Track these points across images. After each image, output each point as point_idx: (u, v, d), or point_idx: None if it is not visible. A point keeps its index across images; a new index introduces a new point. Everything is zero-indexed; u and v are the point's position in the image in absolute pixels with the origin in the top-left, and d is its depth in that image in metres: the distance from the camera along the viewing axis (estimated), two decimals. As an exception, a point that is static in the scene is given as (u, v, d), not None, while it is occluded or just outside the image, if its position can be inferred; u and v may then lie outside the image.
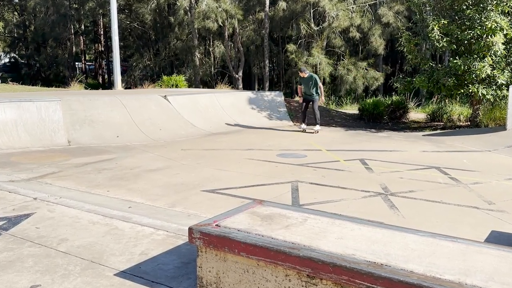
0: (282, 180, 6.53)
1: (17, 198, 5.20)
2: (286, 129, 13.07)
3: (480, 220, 4.80)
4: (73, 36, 36.67)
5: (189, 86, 23.21)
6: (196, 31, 26.98)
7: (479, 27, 11.82)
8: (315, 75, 12.26)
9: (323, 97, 12.35)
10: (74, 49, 37.42)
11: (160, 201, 5.36)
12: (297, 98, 17.89)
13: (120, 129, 10.47)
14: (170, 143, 10.07)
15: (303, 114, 12.55)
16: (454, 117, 15.56)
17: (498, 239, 4.19)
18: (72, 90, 17.31)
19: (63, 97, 10.79)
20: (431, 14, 13.84)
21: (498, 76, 11.94)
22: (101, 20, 37.54)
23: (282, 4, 25.11)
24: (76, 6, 35.45)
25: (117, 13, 18.77)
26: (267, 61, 27.40)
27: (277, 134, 11.92)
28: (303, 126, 12.51)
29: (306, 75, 12.07)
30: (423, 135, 12.13)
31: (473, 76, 11.91)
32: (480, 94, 12.11)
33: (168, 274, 3.25)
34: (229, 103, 14.50)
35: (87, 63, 43.20)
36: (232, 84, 26.86)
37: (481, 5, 12.00)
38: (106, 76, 40.07)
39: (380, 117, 16.25)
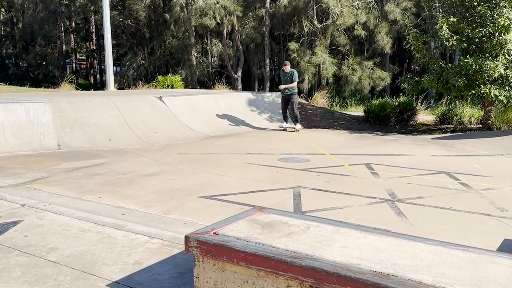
0: (283, 185, 6.53)
1: (4, 204, 5.20)
2: (288, 132, 13.08)
3: (492, 228, 4.81)
4: (63, 34, 36.73)
5: (186, 87, 23.24)
6: (193, 28, 27.04)
7: (491, 25, 11.85)
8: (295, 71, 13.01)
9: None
10: (64, 47, 37.46)
11: (155, 208, 5.36)
12: (299, 99, 17.98)
13: (112, 132, 10.48)
14: (166, 146, 10.08)
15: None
16: (464, 119, 15.57)
17: (511, 248, 4.19)
18: (62, 90, 17.33)
19: (53, 98, 10.80)
20: (440, 10, 13.87)
21: None
22: (92, 17, 37.62)
23: (284, 0, 25.17)
24: (67, 2, 35.53)
25: (110, 10, 18.82)
26: (267, 60, 27.44)
27: (278, 137, 11.93)
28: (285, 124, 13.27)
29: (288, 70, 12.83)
30: (432, 139, 12.14)
31: (485, 76, 11.93)
32: (493, 95, 12.13)
33: (164, 285, 3.26)
34: (228, 105, 14.51)
35: (78, 62, 43.27)
36: (231, 84, 26.88)
37: (493, 1, 12.03)
38: (98, 76, 40.13)
39: (387, 119, 16.25)
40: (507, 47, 11.79)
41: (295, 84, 12.61)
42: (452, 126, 15.36)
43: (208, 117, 13.28)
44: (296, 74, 12.70)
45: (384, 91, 27.52)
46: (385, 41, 25.10)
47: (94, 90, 27.03)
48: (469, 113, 15.98)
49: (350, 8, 24.09)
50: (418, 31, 13.96)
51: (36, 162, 7.95)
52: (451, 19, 12.34)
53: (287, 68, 12.66)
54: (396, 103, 17.09)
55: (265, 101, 15.83)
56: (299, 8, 25.57)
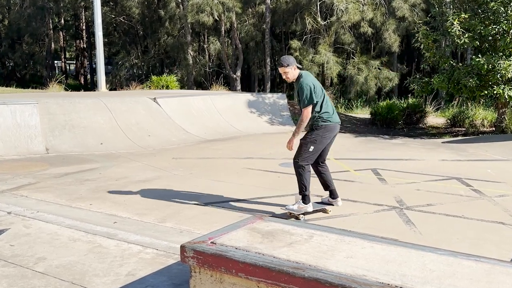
0: (285, 192, 6.53)
1: (-11, 212, 5.21)
2: (290, 135, 13.09)
3: (506, 237, 4.81)
4: (51, 32, 36.80)
5: (182, 88, 23.28)
6: (189, 26, 27.09)
7: (505, 22, 11.88)
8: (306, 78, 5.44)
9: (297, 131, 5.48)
10: (53, 46, 37.52)
11: (149, 215, 5.36)
12: None
13: (104, 135, 10.49)
14: (160, 151, 10.09)
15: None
16: (477, 122, 15.60)
17: (527, 258, 4.20)
18: (51, 91, 17.36)
19: (41, 99, 10.82)
20: (451, 7, 13.91)
21: (526, 76, 11.99)
22: (83, 13, 37.71)
23: (285, -4, 25.27)
24: (56, -3, 35.64)
25: (101, 6, 18.87)
26: (268, 60, 27.48)
27: (280, 140, 11.93)
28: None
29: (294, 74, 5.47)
30: (442, 142, 12.15)
31: (498, 76, 11.95)
32: (506, 96, 12.14)
33: (158, 297, 3.26)
34: (226, 107, 14.53)
35: (67, 61, 43.33)
36: (230, 85, 26.93)
37: (507, -3, 12.08)
38: (88, 76, 40.19)
39: (395, 122, 16.29)
40: (521, 46, 11.84)
41: (306, 111, 5.26)
42: (463, 129, 15.39)
43: (205, 120, 13.30)
44: (306, 84, 5.28)
45: (392, 92, 27.55)
46: (392, 39, 25.14)
47: (84, 91, 27.06)
48: (482, 115, 16.01)
49: (355, 4, 24.14)
50: (428, 29, 13.99)
51: (23, 167, 7.95)
52: (463, 15, 12.37)
53: (289, 70, 5.39)
54: (405, 105, 17.13)
55: (266, 103, 15.85)
56: (302, 4, 25.62)
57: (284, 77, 5.49)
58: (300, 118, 5.34)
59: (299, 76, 5.40)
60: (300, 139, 5.49)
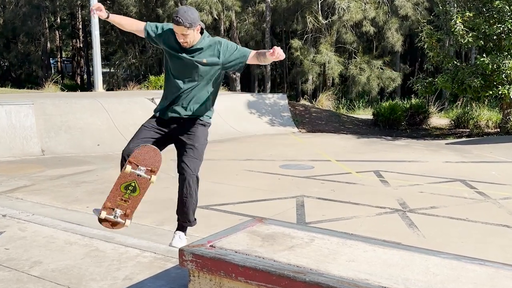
0: (285, 194, 6.54)
1: (-17, 215, 5.21)
2: (291, 137, 13.10)
3: (511, 241, 4.81)
4: (47, 31, 36.81)
5: (180, 88, 23.23)
6: (187, 25, 27.06)
7: (510, 21, 11.89)
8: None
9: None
10: (48, 45, 37.53)
11: (147, 218, 5.36)
12: (303, 101, 17.76)
13: (101, 137, 10.49)
14: (158, 152, 10.09)
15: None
16: (481, 123, 15.60)
17: (532, 262, 4.20)
18: (47, 92, 17.34)
19: (37, 100, 10.81)
20: (455, 5, 13.92)
21: (532, 76, 12.00)
22: (79, 12, 37.69)
23: (286, -6, 25.26)
24: (51, -4, 35.63)
25: (98, 5, 18.84)
26: (268, 59, 27.45)
27: (280, 142, 11.94)
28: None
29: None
30: (446, 144, 12.15)
31: (503, 76, 11.96)
32: (511, 96, 12.15)
33: (156, 302, 3.26)
34: (226, 107, 14.52)
35: (64, 61, 43.34)
36: (229, 85, 26.92)
37: (512, -4, 12.10)
38: (85, 76, 40.17)
39: (398, 123, 16.28)
40: (526, 45, 11.85)
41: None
42: (468, 130, 15.39)
43: (204, 121, 13.28)
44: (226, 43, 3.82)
45: (395, 93, 27.52)
46: (395, 39, 25.14)
47: (81, 91, 27.07)
48: (486, 116, 16.01)
49: (357, 3, 24.13)
50: (432, 28, 14.00)
51: (18, 169, 7.95)
52: (467, 14, 12.38)
53: (190, 33, 3.62)
54: (408, 106, 17.13)
55: (266, 103, 15.86)
56: (303, 3, 25.62)
57: (180, 40, 3.70)
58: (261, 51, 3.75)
59: (213, 40, 3.84)
60: (192, 138, 4.12)
